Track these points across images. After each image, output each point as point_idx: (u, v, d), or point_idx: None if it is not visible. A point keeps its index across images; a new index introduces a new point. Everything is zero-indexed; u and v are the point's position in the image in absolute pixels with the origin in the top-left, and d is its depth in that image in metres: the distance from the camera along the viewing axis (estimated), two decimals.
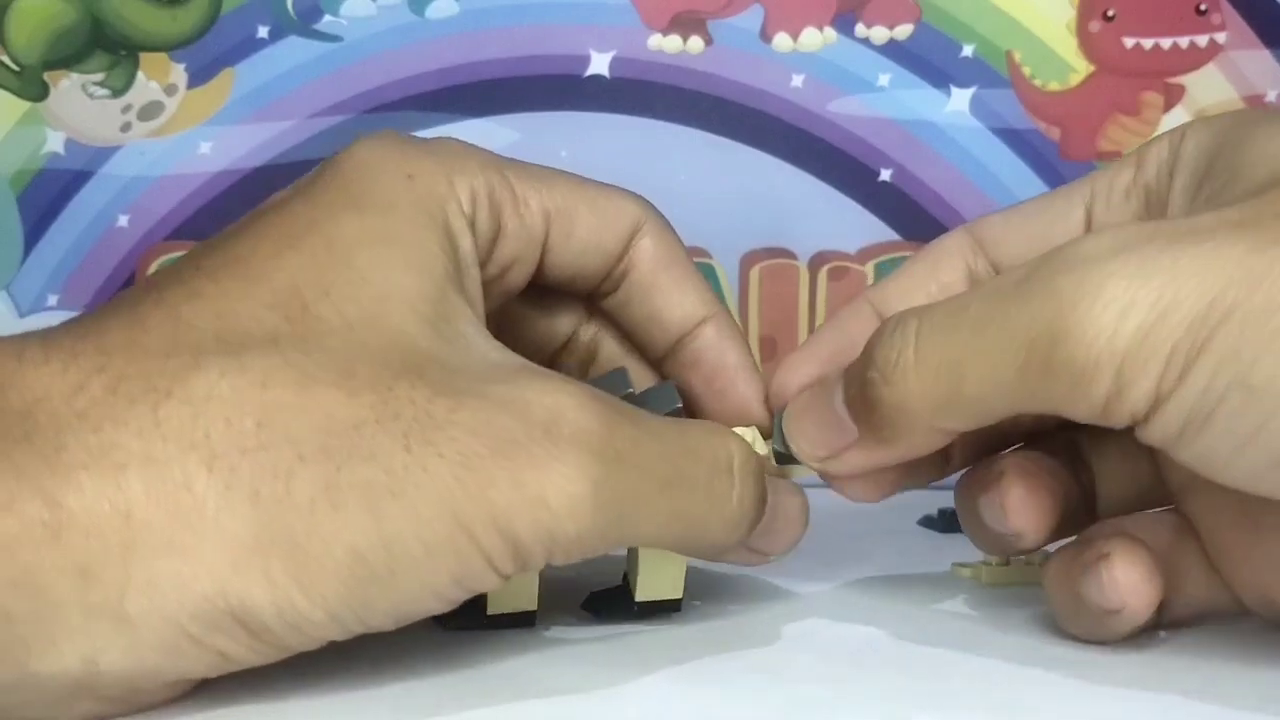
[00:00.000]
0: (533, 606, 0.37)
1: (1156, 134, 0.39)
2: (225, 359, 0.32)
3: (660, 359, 0.40)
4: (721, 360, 0.40)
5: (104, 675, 0.31)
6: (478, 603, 0.36)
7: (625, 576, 0.38)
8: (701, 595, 0.40)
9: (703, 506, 0.35)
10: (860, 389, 0.35)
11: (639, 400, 0.37)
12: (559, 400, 0.33)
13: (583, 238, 0.38)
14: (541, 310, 0.40)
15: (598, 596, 0.38)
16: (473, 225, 0.36)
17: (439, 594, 0.32)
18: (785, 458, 0.38)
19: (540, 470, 0.32)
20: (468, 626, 0.36)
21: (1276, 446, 0.31)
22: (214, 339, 0.32)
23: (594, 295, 0.40)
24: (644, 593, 0.38)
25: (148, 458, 0.31)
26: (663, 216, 0.40)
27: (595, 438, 0.33)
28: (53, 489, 0.30)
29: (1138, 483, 0.39)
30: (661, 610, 0.38)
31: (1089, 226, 0.39)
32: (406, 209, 0.35)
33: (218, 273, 0.33)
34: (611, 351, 0.41)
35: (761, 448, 0.38)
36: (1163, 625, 0.37)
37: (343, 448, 0.31)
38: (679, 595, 0.38)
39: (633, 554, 0.38)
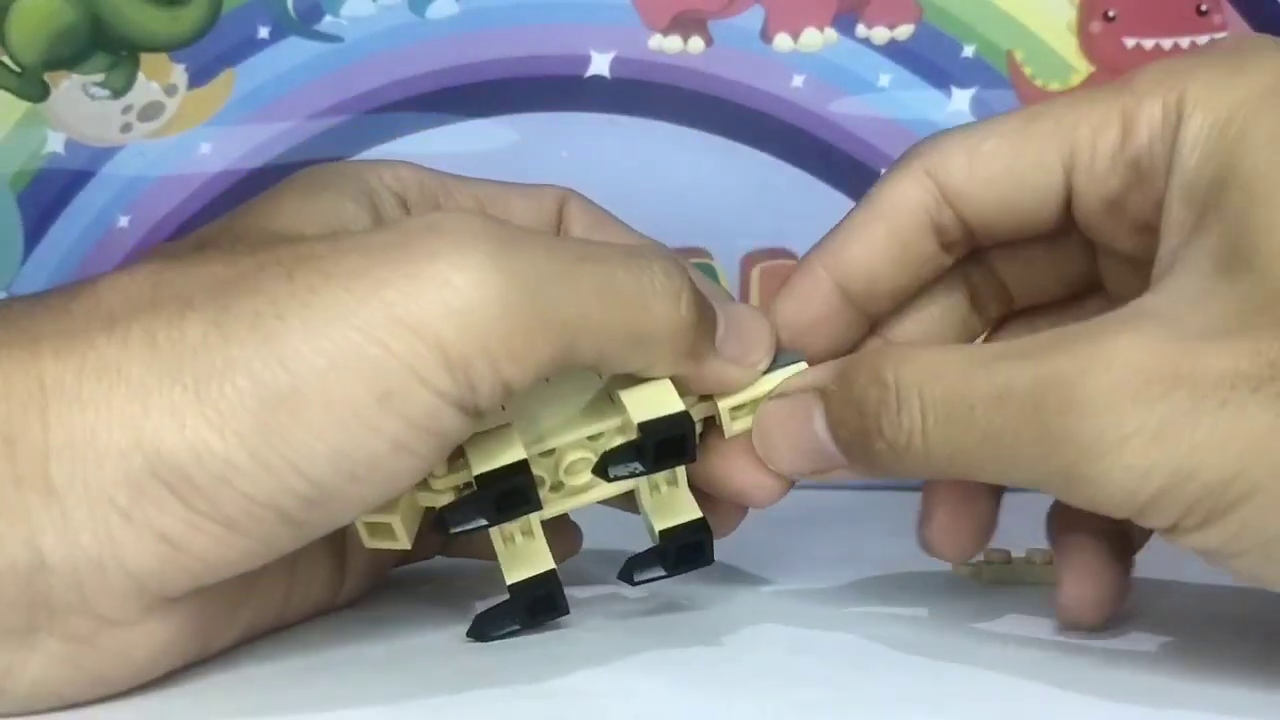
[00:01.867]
0: (549, 565, 0.36)
1: (1144, 84, 0.35)
2: (124, 273, 0.34)
3: None
4: None
5: (50, 566, 0.31)
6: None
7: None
8: (701, 596, 0.40)
9: (628, 281, 0.34)
10: (861, 442, 0.35)
11: None
12: (435, 214, 0.34)
13: (519, 218, 0.39)
14: None
15: (633, 561, 0.38)
16: (404, 203, 0.38)
17: (367, 420, 0.31)
18: None
19: (433, 259, 0.32)
20: (502, 629, 0.36)
21: None
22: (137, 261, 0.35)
23: None
24: (663, 520, 0.37)
25: (57, 332, 0.32)
26: (580, 194, 0.41)
27: (479, 224, 0.33)
28: None
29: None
30: (688, 543, 0.37)
31: (1069, 193, 0.36)
32: (333, 179, 0.38)
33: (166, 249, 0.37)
34: None
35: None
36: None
37: (228, 290, 0.32)
38: (697, 513, 0.37)
39: (645, 515, 0.38)
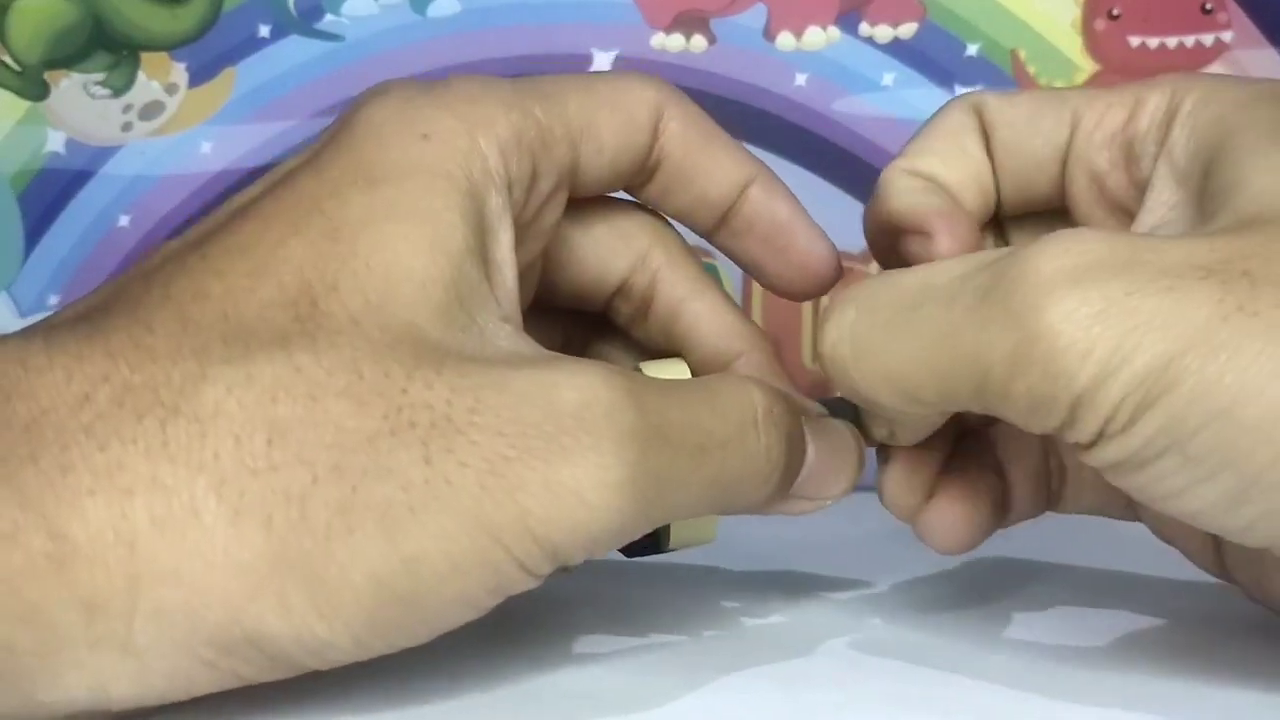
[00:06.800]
0: (712, 537, 0.37)
1: (1158, 81, 0.37)
2: (233, 370, 0.31)
3: (711, 234, 0.39)
4: (774, 218, 0.39)
5: (114, 701, 0.30)
6: (658, 534, 0.37)
7: None
8: (702, 598, 0.40)
9: (734, 467, 0.34)
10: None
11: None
12: (585, 381, 0.32)
13: (613, 145, 0.37)
14: (594, 253, 0.39)
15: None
16: (507, 177, 0.35)
17: (474, 605, 0.31)
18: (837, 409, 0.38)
19: (574, 465, 0.31)
20: (649, 553, 0.37)
21: (1198, 506, 0.31)
22: (220, 342, 0.31)
23: (629, 189, 0.39)
24: (677, 541, 0.38)
25: (154, 482, 0.30)
26: (679, 92, 0.38)
27: (628, 416, 0.31)
28: (57, 519, 0.29)
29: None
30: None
31: (1069, 153, 0.38)
32: (422, 175, 0.33)
33: (222, 265, 0.32)
34: (669, 296, 0.39)
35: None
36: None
37: (357, 465, 0.30)
38: (713, 537, 0.38)
39: None
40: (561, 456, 0.31)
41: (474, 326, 0.33)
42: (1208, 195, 0.34)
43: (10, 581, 0.29)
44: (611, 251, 0.38)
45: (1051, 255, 0.31)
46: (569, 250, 0.38)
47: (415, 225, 0.33)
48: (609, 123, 0.37)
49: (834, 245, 0.39)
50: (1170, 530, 0.38)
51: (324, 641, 0.30)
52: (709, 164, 0.38)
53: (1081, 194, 0.38)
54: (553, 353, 0.34)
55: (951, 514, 0.38)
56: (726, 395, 0.34)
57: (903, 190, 0.37)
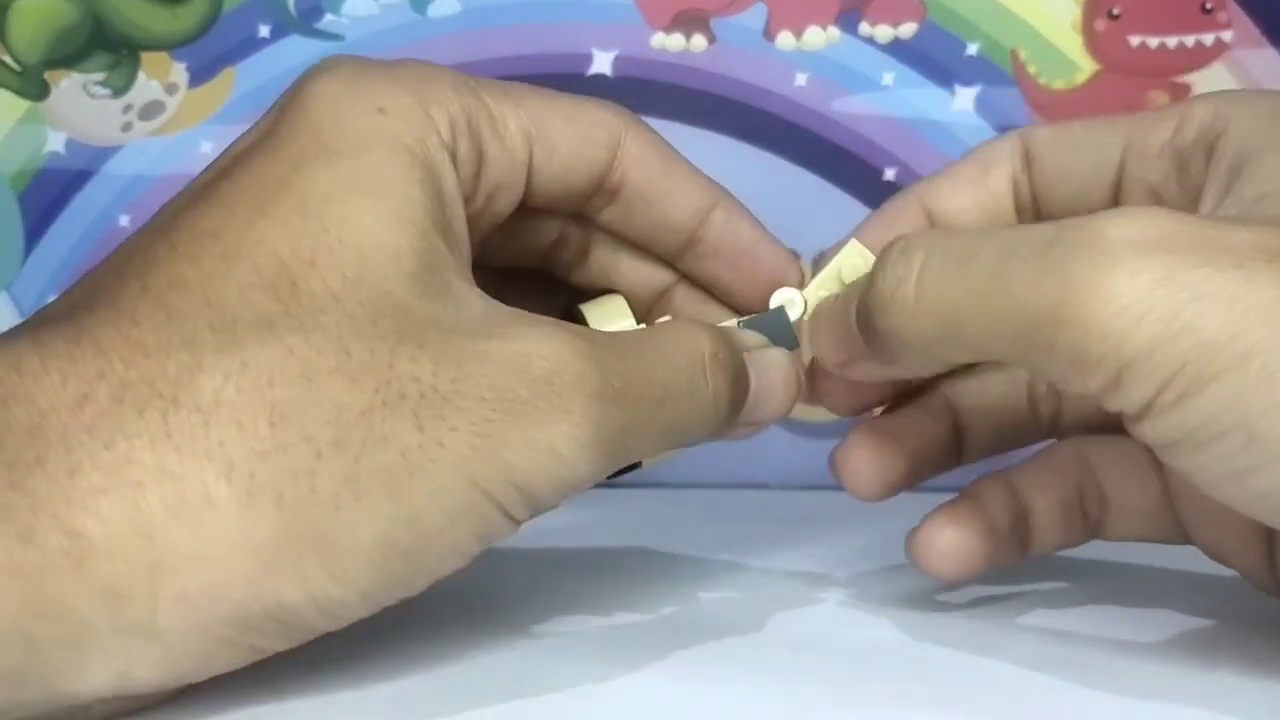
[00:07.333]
0: (674, 456, 0.38)
1: (1203, 96, 0.38)
2: (227, 358, 0.31)
3: (676, 258, 0.40)
4: (738, 242, 0.40)
5: (140, 685, 0.31)
6: None
7: None
8: (702, 595, 0.40)
9: (686, 412, 0.36)
10: (864, 304, 0.36)
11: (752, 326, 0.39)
12: (554, 349, 0.33)
13: (566, 154, 0.38)
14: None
15: None
16: (454, 156, 0.36)
17: (463, 553, 0.33)
18: None
19: (549, 425, 0.33)
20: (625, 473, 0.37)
21: (1267, 486, 0.31)
22: (209, 330, 0.32)
23: (587, 211, 0.40)
24: (646, 463, 0.38)
25: (163, 472, 0.30)
26: (641, 120, 0.39)
27: (593, 380, 0.33)
28: (71, 518, 0.30)
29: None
30: None
31: (1120, 174, 0.38)
32: (381, 150, 0.34)
33: (193, 251, 0.33)
34: (604, 249, 0.40)
35: (797, 309, 0.39)
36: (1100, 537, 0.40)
37: (356, 437, 0.31)
38: (674, 457, 0.39)
39: None
40: (538, 418, 0.33)
41: (448, 293, 0.34)
42: (1252, 194, 0.35)
43: (31, 578, 0.30)
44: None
45: (1119, 223, 0.32)
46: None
47: (379, 198, 0.34)
48: (564, 131, 0.38)
49: (794, 254, 0.40)
50: (1225, 548, 0.38)
51: (337, 602, 0.32)
52: (669, 188, 0.39)
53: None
54: (520, 312, 0.35)
55: (940, 539, 0.38)
56: (676, 345, 0.36)
57: (879, 209, 0.40)
